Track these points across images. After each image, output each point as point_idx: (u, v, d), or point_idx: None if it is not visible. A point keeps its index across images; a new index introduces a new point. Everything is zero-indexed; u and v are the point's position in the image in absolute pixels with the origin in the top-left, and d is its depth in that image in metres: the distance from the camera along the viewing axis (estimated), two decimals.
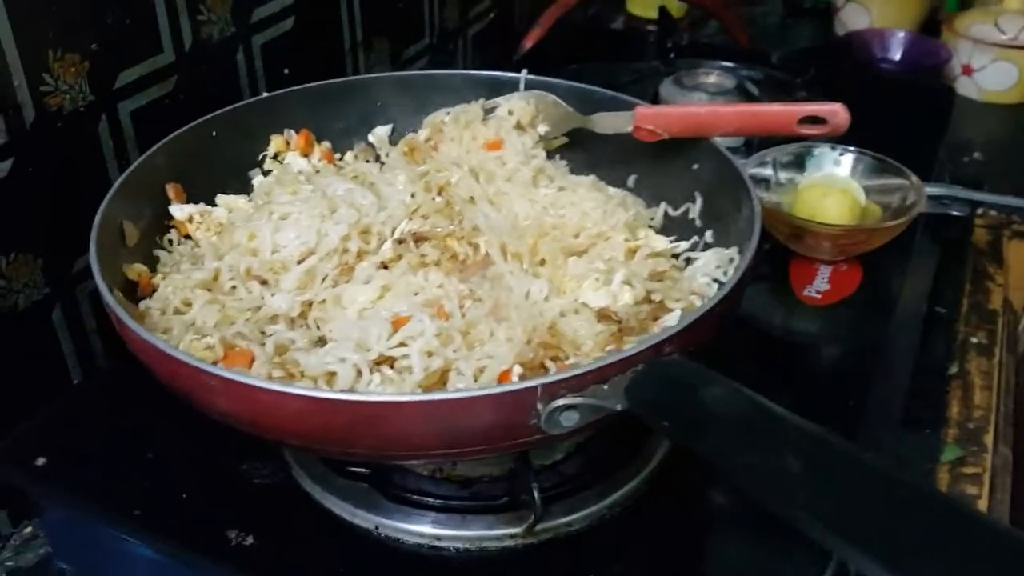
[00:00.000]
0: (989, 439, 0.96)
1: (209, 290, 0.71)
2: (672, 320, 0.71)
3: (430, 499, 0.70)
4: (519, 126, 0.89)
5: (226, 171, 0.89)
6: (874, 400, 0.87)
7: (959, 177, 1.25)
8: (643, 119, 0.84)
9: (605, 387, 0.56)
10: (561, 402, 0.56)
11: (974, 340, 1.09)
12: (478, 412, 0.56)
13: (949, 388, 1.03)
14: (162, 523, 0.70)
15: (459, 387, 0.61)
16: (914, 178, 1.00)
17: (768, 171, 1.04)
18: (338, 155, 0.95)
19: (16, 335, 0.82)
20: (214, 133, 0.87)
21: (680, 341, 0.60)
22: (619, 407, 0.55)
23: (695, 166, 0.85)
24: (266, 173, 0.91)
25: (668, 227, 0.87)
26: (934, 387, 1.03)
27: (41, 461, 0.75)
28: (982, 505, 0.89)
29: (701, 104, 0.83)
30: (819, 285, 0.96)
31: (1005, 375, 1.07)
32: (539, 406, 0.56)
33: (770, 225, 0.96)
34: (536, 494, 0.67)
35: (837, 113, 0.78)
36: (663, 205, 0.87)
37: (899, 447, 0.94)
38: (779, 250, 1.00)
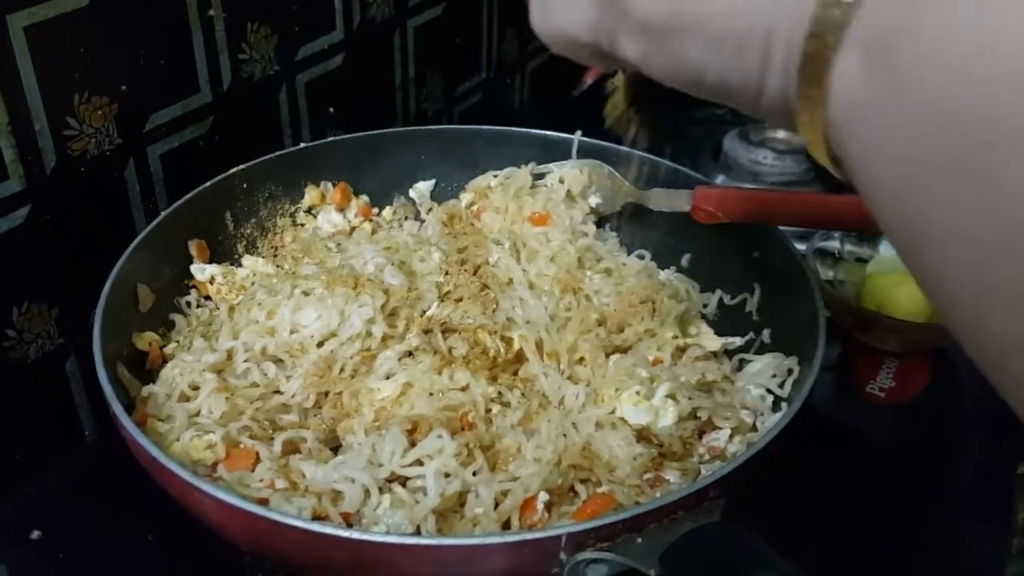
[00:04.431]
0: None
1: (220, 371, 0.66)
2: (720, 439, 0.65)
3: None
4: (569, 196, 0.82)
5: (256, 225, 0.85)
6: (939, 504, 0.81)
7: None
8: (703, 200, 0.78)
9: (639, 541, 0.50)
10: (588, 555, 0.50)
11: None
12: (493, 560, 0.50)
13: (1017, 490, 0.96)
14: None
15: (474, 534, 0.55)
16: None
17: (835, 244, 0.97)
18: (376, 210, 0.90)
19: (26, 387, 0.78)
20: (245, 185, 0.83)
21: (724, 486, 0.53)
22: (652, 572, 0.49)
23: (756, 253, 0.78)
24: (298, 227, 0.86)
25: (722, 316, 0.80)
26: (1002, 490, 0.95)
27: (36, 535, 0.70)
28: None
29: (767, 190, 0.76)
30: (884, 381, 0.89)
31: None
32: (563, 556, 0.50)
33: (834, 311, 0.89)
34: None
35: None
36: (718, 292, 0.81)
37: (963, 557, 0.87)
38: (842, 334, 0.93)
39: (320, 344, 0.68)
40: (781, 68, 0.35)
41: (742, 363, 0.74)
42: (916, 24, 0.30)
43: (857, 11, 0.32)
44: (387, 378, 0.65)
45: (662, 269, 0.83)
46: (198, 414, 0.63)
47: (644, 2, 0.39)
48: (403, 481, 0.58)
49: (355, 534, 0.50)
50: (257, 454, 0.60)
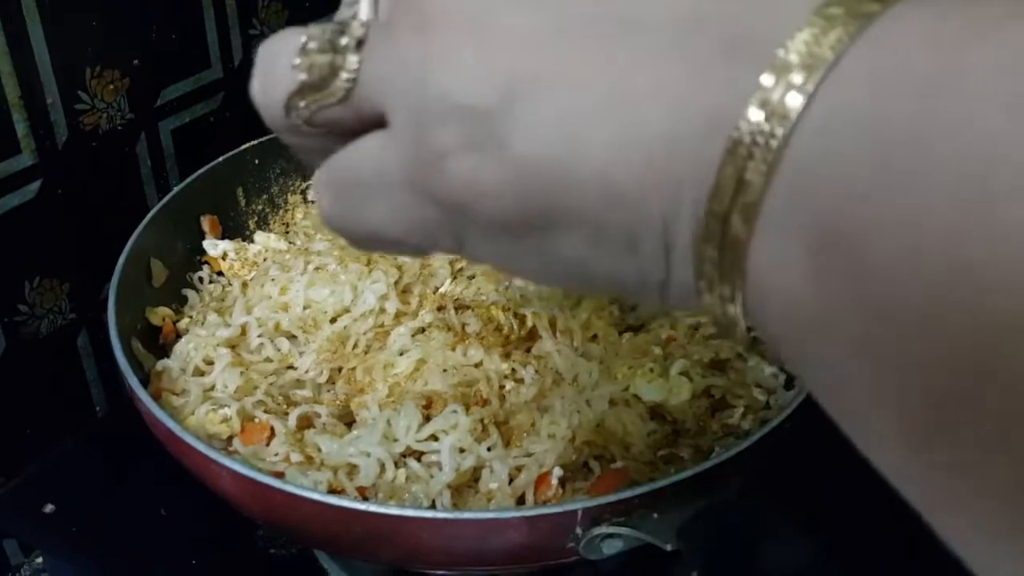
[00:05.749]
0: None
1: (234, 347, 0.66)
2: (734, 416, 0.65)
3: None
4: None
5: (267, 201, 0.85)
6: None
7: None
8: None
9: (655, 516, 0.50)
10: (604, 530, 0.50)
11: None
12: (509, 534, 0.50)
13: None
14: None
15: (489, 509, 0.55)
16: None
17: None
18: None
19: (38, 363, 0.78)
20: (256, 161, 0.82)
21: (739, 463, 0.53)
22: (669, 547, 0.49)
23: None
24: (309, 204, 0.86)
25: None
26: None
27: (49, 508, 0.71)
28: None
29: None
30: None
31: None
32: (578, 530, 0.50)
33: None
34: None
35: None
36: None
37: None
38: None
39: (333, 320, 0.68)
40: (690, 257, 0.25)
41: (755, 341, 0.74)
42: (887, 194, 0.19)
43: (778, 167, 0.21)
44: (400, 354, 0.65)
45: None
46: (213, 388, 0.63)
47: (491, 200, 0.26)
48: (418, 456, 0.58)
49: (371, 507, 0.50)
50: (272, 428, 0.60)
